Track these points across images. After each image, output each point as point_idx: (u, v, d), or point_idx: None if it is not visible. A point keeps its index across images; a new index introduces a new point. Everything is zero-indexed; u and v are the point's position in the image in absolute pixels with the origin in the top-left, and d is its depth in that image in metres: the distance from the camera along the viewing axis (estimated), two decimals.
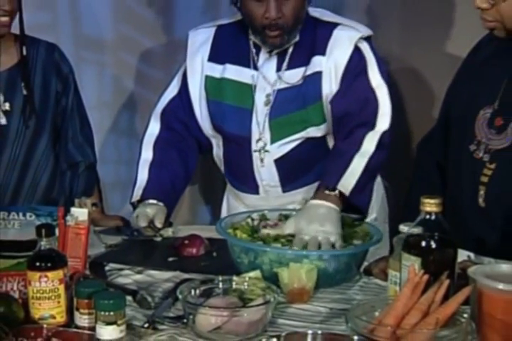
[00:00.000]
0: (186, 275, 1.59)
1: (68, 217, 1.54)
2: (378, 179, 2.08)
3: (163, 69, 2.56)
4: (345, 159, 1.81)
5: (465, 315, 1.25)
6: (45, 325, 1.28)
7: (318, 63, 1.92)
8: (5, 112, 1.97)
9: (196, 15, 2.57)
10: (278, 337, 1.22)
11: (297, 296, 1.46)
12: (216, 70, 2.00)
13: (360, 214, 1.79)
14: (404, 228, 1.39)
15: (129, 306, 1.36)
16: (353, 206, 1.78)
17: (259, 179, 2.02)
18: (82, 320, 1.29)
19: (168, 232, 1.88)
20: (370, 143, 1.83)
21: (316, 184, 1.85)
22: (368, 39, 1.95)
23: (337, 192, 1.73)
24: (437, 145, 1.82)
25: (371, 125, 1.86)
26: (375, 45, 1.96)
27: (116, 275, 1.61)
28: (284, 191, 2.02)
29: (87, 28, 2.51)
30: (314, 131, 1.96)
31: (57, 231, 1.48)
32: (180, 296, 1.34)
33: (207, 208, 2.77)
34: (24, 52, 1.96)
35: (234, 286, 1.41)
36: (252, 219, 1.69)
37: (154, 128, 2.06)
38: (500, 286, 1.20)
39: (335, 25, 1.94)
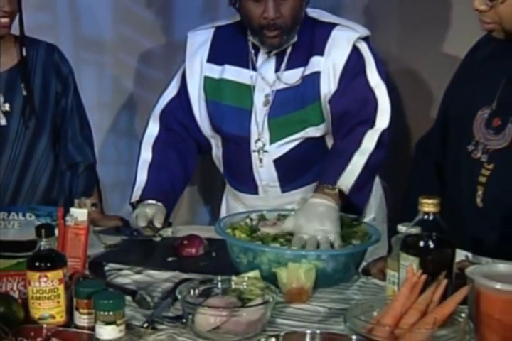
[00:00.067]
0: (185, 275, 1.59)
1: (68, 217, 1.54)
2: (377, 179, 2.08)
3: (162, 70, 2.56)
4: (344, 157, 1.81)
5: (463, 315, 1.25)
6: (44, 325, 1.29)
7: (316, 63, 1.92)
8: (5, 113, 1.97)
9: (195, 16, 2.57)
10: (277, 336, 1.23)
11: (296, 296, 1.47)
12: (215, 71, 2.01)
13: (357, 214, 1.80)
14: (402, 228, 1.40)
15: (128, 306, 1.37)
16: (350, 205, 1.78)
17: (258, 179, 2.02)
18: (82, 319, 1.30)
19: (168, 232, 1.89)
20: (369, 141, 1.84)
21: (315, 184, 1.85)
22: (366, 39, 1.96)
23: (336, 190, 1.73)
24: (435, 145, 1.83)
25: (371, 123, 1.87)
26: (373, 46, 1.97)
27: (115, 275, 1.62)
28: (283, 191, 2.02)
29: (87, 28, 2.52)
30: (313, 131, 1.96)
31: (56, 231, 1.48)
32: (179, 296, 1.35)
33: (206, 208, 2.77)
34: (24, 53, 1.97)
35: (233, 286, 1.42)
36: (251, 220, 1.69)
37: (153, 128, 2.07)
38: (498, 286, 1.20)
39: (333, 25, 1.95)
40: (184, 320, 1.34)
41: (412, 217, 1.32)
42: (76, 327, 1.31)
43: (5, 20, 1.89)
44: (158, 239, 1.86)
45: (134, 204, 1.96)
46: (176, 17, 2.62)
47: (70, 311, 1.32)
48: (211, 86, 2.01)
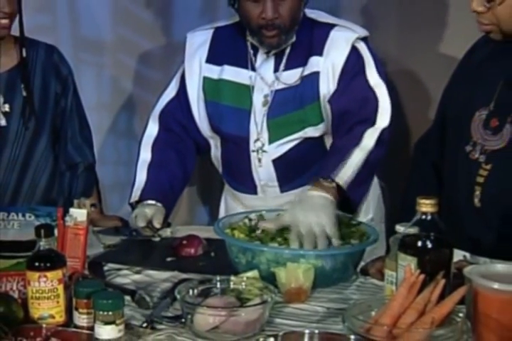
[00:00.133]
0: (184, 275, 1.60)
1: (67, 218, 1.54)
2: (375, 179, 2.09)
3: (161, 71, 2.56)
4: (344, 153, 1.82)
5: (461, 315, 1.26)
6: (44, 325, 1.29)
7: (315, 63, 1.93)
8: (5, 113, 1.98)
9: (194, 17, 2.57)
10: (275, 336, 1.23)
11: (294, 296, 1.47)
12: (214, 71, 2.01)
13: (351, 212, 1.80)
14: (400, 228, 1.40)
15: (127, 306, 1.37)
16: (346, 201, 1.78)
17: (257, 179, 2.03)
18: (81, 319, 1.30)
19: (167, 232, 1.89)
20: (369, 139, 1.84)
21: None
22: (364, 40, 1.96)
23: (334, 184, 1.74)
24: (434, 145, 1.83)
25: (371, 122, 1.88)
26: (372, 46, 1.97)
27: (114, 275, 1.62)
28: (282, 191, 2.02)
29: (86, 30, 2.52)
30: (312, 131, 1.97)
31: (56, 231, 1.48)
32: (178, 296, 1.35)
33: (205, 209, 2.77)
34: (24, 54, 1.97)
35: (232, 286, 1.42)
36: (250, 220, 1.70)
37: (153, 129, 2.07)
38: (496, 286, 1.21)
39: (332, 26, 1.95)
40: (183, 320, 1.34)
41: (410, 217, 1.33)
42: (75, 327, 1.31)
43: (5, 21, 1.90)
44: (157, 239, 1.86)
45: (133, 204, 1.96)
46: (175, 18, 2.63)
47: (69, 311, 1.32)
48: (210, 86, 2.01)
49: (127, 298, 1.42)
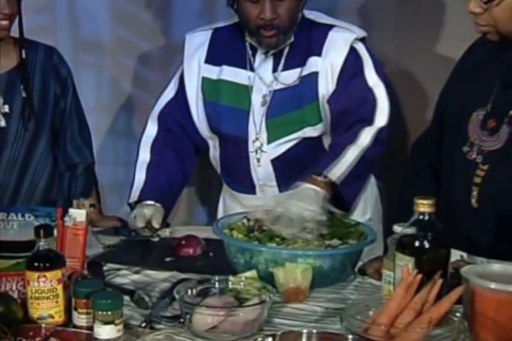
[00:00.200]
0: (183, 275, 1.60)
1: (66, 218, 1.55)
2: (372, 180, 2.10)
3: (160, 72, 2.57)
4: (339, 150, 1.83)
5: (458, 314, 1.26)
6: (43, 325, 1.29)
7: (314, 64, 1.94)
8: (4, 114, 1.98)
9: (193, 18, 2.58)
10: (274, 336, 1.23)
11: (293, 296, 1.48)
12: (213, 72, 2.02)
13: (344, 210, 1.81)
14: (398, 228, 1.40)
15: (126, 306, 1.37)
16: (339, 199, 1.79)
17: (256, 179, 2.03)
18: (80, 319, 1.30)
19: (166, 233, 1.90)
20: (366, 137, 1.86)
21: None
22: (362, 40, 1.97)
23: (326, 179, 1.75)
24: (431, 146, 1.83)
25: (369, 121, 1.89)
26: (370, 47, 1.98)
27: (113, 275, 1.63)
28: (280, 191, 2.03)
29: (86, 31, 2.52)
30: (311, 131, 1.98)
31: (55, 231, 1.49)
32: (177, 296, 1.36)
33: (203, 209, 2.78)
34: (23, 55, 1.97)
35: (230, 286, 1.42)
36: (248, 220, 1.70)
37: (152, 130, 2.08)
38: (492, 286, 1.21)
39: (330, 27, 1.96)
40: (182, 320, 1.35)
41: (407, 217, 1.33)
42: (74, 326, 1.31)
43: (4, 22, 1.90)
44: (156, 239, 1.87)
45: (132, 204, 1.97)
46: (174, 19, 2.63)
47: (68, 311, 1.33)
48: (209, 87, 2.02)
49: (126, 297, 1.42)
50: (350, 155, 1.82)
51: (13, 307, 1.31)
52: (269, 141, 1.99)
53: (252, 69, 2.00)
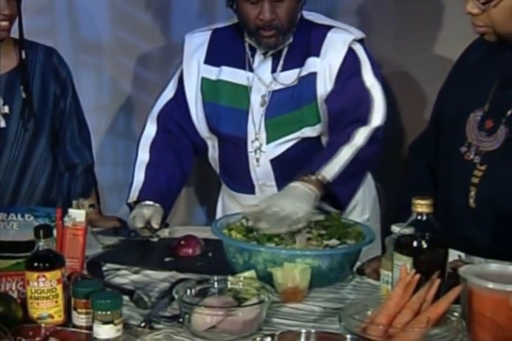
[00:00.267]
0: (182, 275, 1.61)
1: (66, 218, 1.55)
2: (370, 180, 2.10)
3: (159, 73, 2.57)
4: (333, 149, 1.84)
5: (456, 314, 1.26)
6: (43, 325, 1.30)
7: (312, 64, 1.94)
8: (4, 115, 1.99)
9: (192, 19, 2.58)
10: (272, 335, 1.23)
11: (291, 295, 1.48)
12: (212, 72, 2.02)
13: (340, 209, 1.81)
14: (396, 228, 1.41)
15: (125, 306, 1.38)
16: (333, 198, 1.79)
17: (255, 179, 2.04)
18: (80, 319, 1.31)
19: (165, 233, 1.90)
20: (360, 136, 1.86)
21: None
22: (361, 41, 1.98)
23: (318, 177, 1.75)
24: (429, 146, 1.84)
25: (364, 121, 1.89)
26: (368, 48, 1.98)
27: (113, 275, 1.63)
28: (279, 191, 2.03)
29: (85, 32, 2.53)
30: (309, 131, 1.98)
31: (55, 232, 1.49)
32: (176, 296, 1.36)
33: (202, 209, 2.78)
34: (23, 56, 1.98)
35: (229, 286, 1.43)
36: (247, 220, 1.71)
37: (151, 130, 2.08)
38: (490, 285, 1.21)
39: (329, 27, 1.97)
40: (181, 320, 1.35)
41: (405, 217, 1.34)
42: (74, 326, 1.32)
43: (4, 23, 1.91)
44: (155, 239, 1.87)
45: (131, 204, 1.97)
46: (174, 20, 2.63)
47: (68, 311, 1.33)
48: (208, 87, 2.03)
49: (125, 297, 1.42)
50: (344, 155, 1.82)
51: (13, 307, 1.32)
52: (268, 141, 2.00)
53: (251, 70, 2.00)
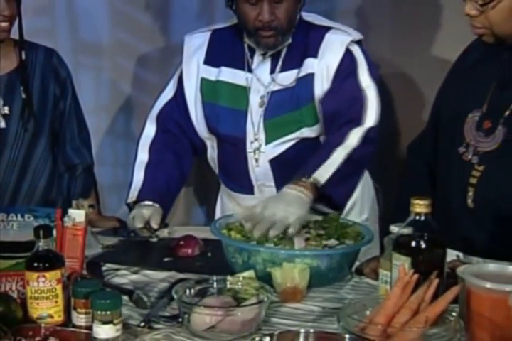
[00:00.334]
0: (181, 275, 1.61)
1: (66, 219, 1.55)
2: (369, 180, 2.11)
3: (159, 74, 2.57)
4: (326, 151, 1.84)
5: (454, 314, 1.26)
6: (43, 325, 1.30)
7: (310, 65, 1.95)
8: (4, 116, 1.99)
9: (192, 20, 2.58)
10: (271, 335, 1.23)
11: (290, 295, 1.48)
12: (211, 73, 2.03)
13: (337, 209, 1.81)
14: (394, 228, 1.42)
15: (125, 305, 1.38)
16: (329, 200, 1.79)
17: (254, 179, 2.04)
18: (79, 319, 1.31)
19: (164, 233, 1.90)
20: (354, 137, 1.86)
21: None
22: (359, 43, 1.98)
23: (311, 180, 1.75)
24: (427, 147, 1.84)
25: (358, 122, 1.89)
26: (366, 49, 1.99)
27: (112, 275, 1.63)
28: (278, 191, 2.04)
29: (85, 33, 2.53)
30: (308, 132, 1.99)
31: (54, 232, 1.49)
32: (175, 296, 1.36)
33: (201, 209, 2.78)
34: (23, 57, 1.98)
35: (228, 286, 1.43)
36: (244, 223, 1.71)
37: (150, 130, 2.08)
38: (488, 285, 1.22)
39: (327, 29, 1.97)
40: (180, 320, 1.35)
41: (404, 217, 1.34)
42: (74, 326, 1.32)
43: (4, 24, 1.91)
44: (154, 239, 1.87)
45: (131, 204, 1.97)
46: (173, 21, 2.64)
47: (67, 311, 1.33)
48: (208, 88, 2.03)
49: (125, 297, 1.43)
50: (338, 157, 1.81)
51: (13, 307, 1.32)
52: (267, 142, 2.00)
53: (250, 71, 2.01)
